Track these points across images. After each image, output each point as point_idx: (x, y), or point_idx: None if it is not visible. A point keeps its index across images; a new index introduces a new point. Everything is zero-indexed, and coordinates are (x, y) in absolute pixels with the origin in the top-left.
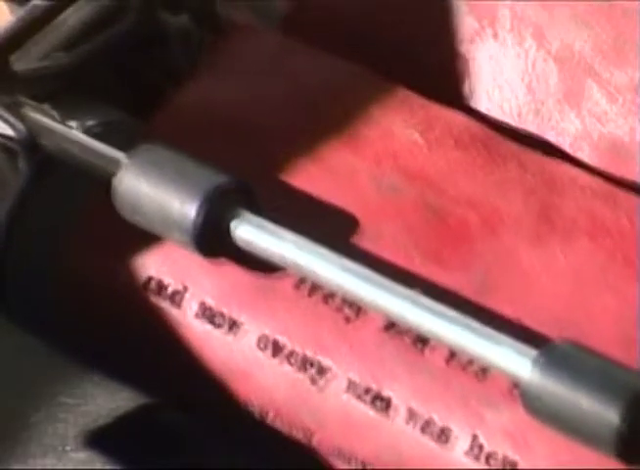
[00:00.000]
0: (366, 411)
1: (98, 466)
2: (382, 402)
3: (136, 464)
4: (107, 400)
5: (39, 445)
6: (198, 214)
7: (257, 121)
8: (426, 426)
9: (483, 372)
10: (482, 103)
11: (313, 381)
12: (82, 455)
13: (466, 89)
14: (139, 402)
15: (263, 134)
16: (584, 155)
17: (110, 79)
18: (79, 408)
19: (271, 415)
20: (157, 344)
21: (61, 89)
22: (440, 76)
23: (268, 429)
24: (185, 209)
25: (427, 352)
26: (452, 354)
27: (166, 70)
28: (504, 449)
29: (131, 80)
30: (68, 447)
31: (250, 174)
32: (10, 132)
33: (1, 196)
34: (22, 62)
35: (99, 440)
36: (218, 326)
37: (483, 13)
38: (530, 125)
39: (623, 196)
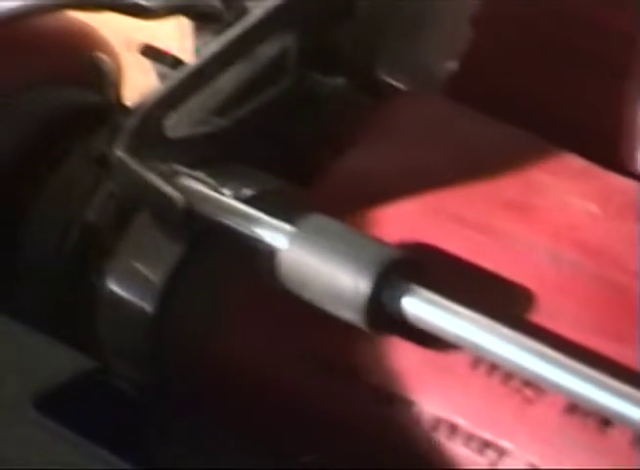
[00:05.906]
0: None
1: (47, 427)
2: None
3: (85, 426)
4: (56, 362)
5: None
6: (370, 291)
7: None
8: None
9: None
10: None
11: (492, 464)
12: (31, 416)
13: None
14: (89, 365)
15: None
16: None
17: (262, 144)
18: (28, 369)
19: None
20: (326, 426)
21: (215, 155)
22: (611, 145)
23: None
24: (357, 284)
25: (611, 434)
26: (638, 436)
27: (321, 133)
28: None
29: (284, 144)
30: (16, 408)
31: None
32: (165, 201)
33: (157, 267)
34: (175, 127)
35: (48, 401)
36: (391, 407)
37: None
38: None
39: None
